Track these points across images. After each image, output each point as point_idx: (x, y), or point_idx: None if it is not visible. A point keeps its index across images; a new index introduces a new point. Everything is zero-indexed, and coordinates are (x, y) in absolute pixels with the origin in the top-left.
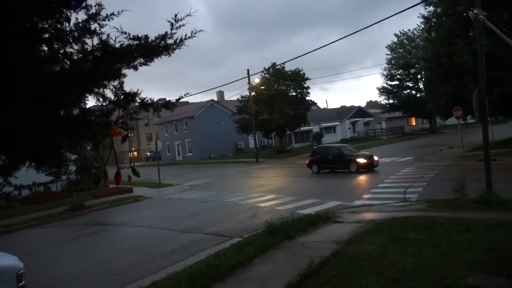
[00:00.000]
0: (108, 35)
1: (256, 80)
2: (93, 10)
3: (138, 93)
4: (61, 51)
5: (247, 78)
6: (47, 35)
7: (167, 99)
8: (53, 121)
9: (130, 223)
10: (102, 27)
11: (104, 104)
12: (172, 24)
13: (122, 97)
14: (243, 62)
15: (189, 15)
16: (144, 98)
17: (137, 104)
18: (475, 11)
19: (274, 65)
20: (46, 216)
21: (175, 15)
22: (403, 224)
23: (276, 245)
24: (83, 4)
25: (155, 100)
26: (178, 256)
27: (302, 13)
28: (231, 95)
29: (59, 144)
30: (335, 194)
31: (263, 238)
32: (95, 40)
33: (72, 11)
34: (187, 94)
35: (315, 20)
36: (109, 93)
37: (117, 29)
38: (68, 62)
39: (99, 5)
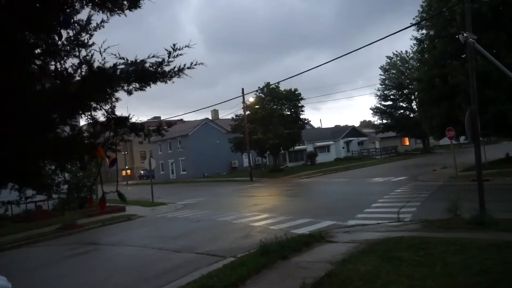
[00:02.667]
0: (104, 59)
1: (251, 99)
2: (84, 20)
3: (130, 117)
4: (52, 68)
5: (241, 97)
6: (39, 50)
7: (161, 117)
8: (38, 143)
9: (122, 243)
10: (92, 37)
11: (94, 126)
12: (169, 53)
13: (112, 121)
14: (236, 82)
15: (187, 46)
16: (135, 123)
17: (127, 128)
18: (465, 34)
19: (268, 84)
20: (37, 235)
21: (174, 45)
22: (397, 245)
23: (269, 265)
24: (72, 22)
25: (146, 120)
26: (170, 276)
27: (293, 35)
28: (225, 114)
29: (43, 166)
30: (329, 213)
31: (257, 258)
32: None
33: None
34: (180, 120)
35: (306, 42)
36: (100, 115)
37: (115, 55)
38: (58, 82)
39: (89, 18)
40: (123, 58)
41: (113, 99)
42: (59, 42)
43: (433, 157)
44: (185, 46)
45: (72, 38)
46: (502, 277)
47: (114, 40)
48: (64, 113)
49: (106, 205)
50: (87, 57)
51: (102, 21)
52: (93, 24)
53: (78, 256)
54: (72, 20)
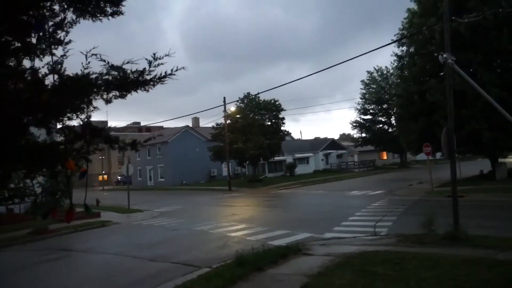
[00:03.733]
0: (89, 63)
1: (232, 108)
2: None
3: (105, 128)
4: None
5: (222, 106)
6: (12, 48)
7: (141, 123)
8: (7, 147)
9: (95, 250)
10: (68, 33)
11: (67, 135)
12: (150, 62)
13: (88, 131)
14: (216, 91)
15: (167, 55)
16: (110, 135)
17: (102, 139)
18: (444, 55)
19: (248, 94)
20: (7, 239)
21: (154, 54)
22: (373, 259)
23: (245, 276)
24: (45, 27)
25: (126, 126)
26: (144, 286)
27: (274, 47)
28: (206, 122)
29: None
30: (306, 225)
31: (233, 269)
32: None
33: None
34: (160, 127)
35: (287, 54)
36: (75, 123)
37: (96, 55)
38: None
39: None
40: (104, 60)
41: (90, 108)
42: (34, 40)
43: (410, 172)
44: (165, 55)
45: (47, 35)
46: None
47: (95, 46)
48: (36, 118)
49: (73, 216)
50: (56, 66)
51: (77, 17)
52: (68, 20)
53: (48, 263)
54: (46, 25)
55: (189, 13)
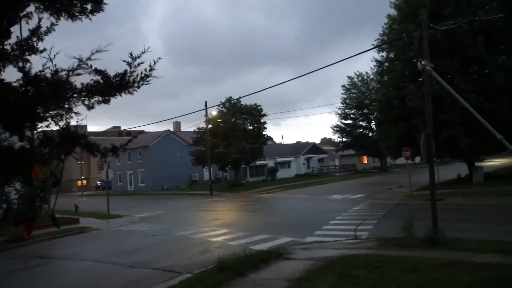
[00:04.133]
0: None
1: (214, 112)
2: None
3: (85, 135)
4: None
5: (204, 110)
6: None
7: (121, 127)
8: None
9: (74, 257)
10: (42, 41)
11: (44, 143)
12: (129, 63)
13: (65, 139)
14: (197, 95)
15: (144, 52)
16: (90, 142)
17: (81, 147)
18: (423, 62)
19: (230, 99)
20: None
21: (131, 53)
22: (354, 262)
23: (226, 282)
24: (16, 23)
25: (106, 130)
26: None
27: (255, 51)
28: (187, 127)
29: None
30: (288, 230)
31: (214, 275)
32: (41, 59)
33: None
34: (141, 131)
35: (267, 59)
36: (52, 129)
37: (79, 59)
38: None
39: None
40: (87, 64)
41: (70, 115)
42: (8, 45)
43: (389, 175)
44: (142, 53)
45: (22, 42)
46: None
47: (74, 49)
48: (7, 122)
49: (33, 229)
50: (25, 65)
51: (52, 24)
52: (43, 28)
53: (24, 271)
54: (18, 20)
55: (170, 17)
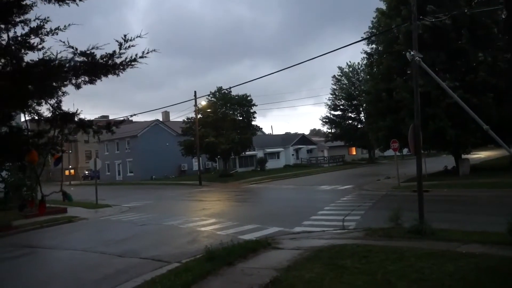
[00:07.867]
0: (48, 49)
1: (203, 102)
2: (35, 24)
3: (77, 113)
4: None
5: (193, 100)
6: None
7: (110, 117)
8: None
9: (61, 246)
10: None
11: (38, 122)
12: (120, 44)
13: (59, 116)
14: (182, 86)
15: (139, 36)
16: (83, 119)
17: (74, 125)
18: (412, 53)
19: (220, 89)
20: None
21: (125, 35)
22: (341, 252)
23: (215, 271)
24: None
25: (93, 119)
26: (111, 282)
27: (239, 43)
28: (176, 117)
29: None
30: (276, 220)
31: (202, 264)
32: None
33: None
34: (134, 114)
35: (252, 50)
36: (45, 110)
37: (63, 42)
38: None
39: (44, 20)
40: (72, 47)
41: (60, 93)
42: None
43: (378, 167)
44: (137, 37)
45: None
46: (437, 285)
47: (61, 38)
48: None
49: (46, 207)
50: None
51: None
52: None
53: (11, 260)
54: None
55: (152, 8)
